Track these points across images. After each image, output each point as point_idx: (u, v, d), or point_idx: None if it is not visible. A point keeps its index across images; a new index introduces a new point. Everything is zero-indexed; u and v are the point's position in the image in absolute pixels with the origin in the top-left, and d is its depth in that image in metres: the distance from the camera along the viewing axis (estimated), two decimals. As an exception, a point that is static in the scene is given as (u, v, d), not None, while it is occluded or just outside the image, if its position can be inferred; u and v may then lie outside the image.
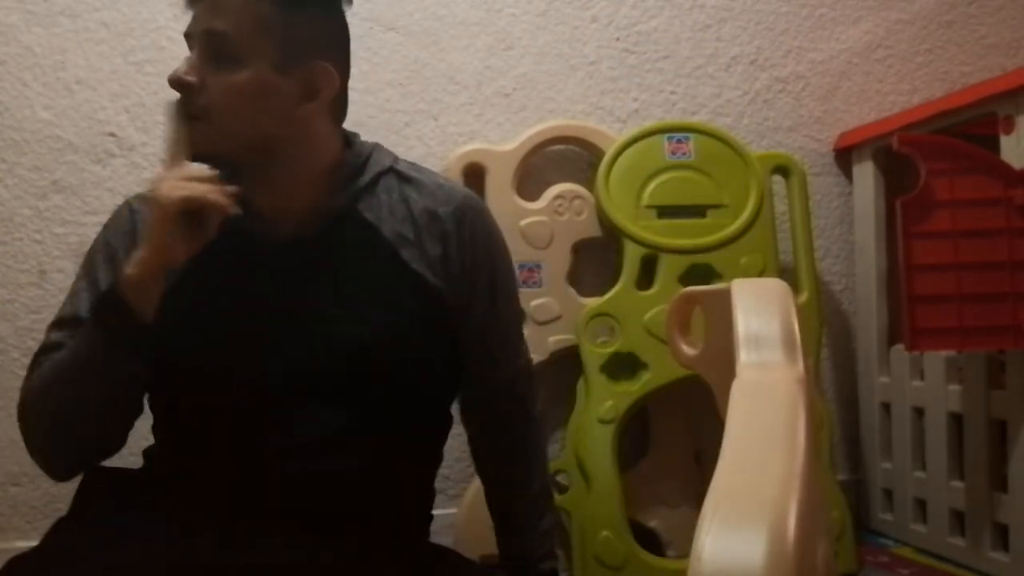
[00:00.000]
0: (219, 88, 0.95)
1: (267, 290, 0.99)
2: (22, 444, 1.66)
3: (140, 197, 1.07)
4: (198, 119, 0.96)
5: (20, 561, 0.89)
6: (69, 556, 0.90)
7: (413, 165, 1.11)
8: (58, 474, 1.06)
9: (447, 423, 1.13)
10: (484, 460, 1.19)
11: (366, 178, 1.04)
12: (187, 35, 0.99)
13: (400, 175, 1.07)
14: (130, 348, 0.93)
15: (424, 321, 1.02)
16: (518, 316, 1.19)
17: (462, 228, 1.06)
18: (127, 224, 1.04)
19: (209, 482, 0.97)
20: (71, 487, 1.08)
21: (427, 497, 1.14)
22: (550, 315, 1.69)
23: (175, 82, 0.97)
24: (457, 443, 1.76)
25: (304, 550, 0.94)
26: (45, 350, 1.00)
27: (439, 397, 1.11)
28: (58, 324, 1.02)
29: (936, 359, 1.62)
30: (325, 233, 1.01)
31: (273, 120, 0.98)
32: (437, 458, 1.15)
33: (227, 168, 0.95)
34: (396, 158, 1.09)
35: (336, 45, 1.03)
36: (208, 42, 0.96)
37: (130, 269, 0.91)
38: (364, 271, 1.01)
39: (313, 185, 1.02)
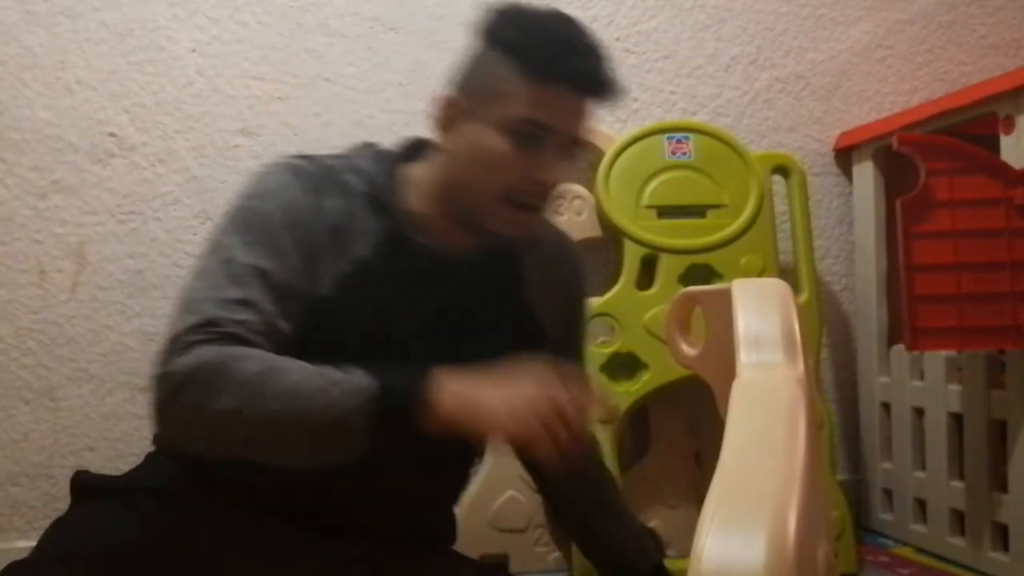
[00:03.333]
0: (562, 181, 1.00)
1: (419, 304, 0.99)
2: (22, 444, 1.67)
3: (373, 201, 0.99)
4: (538, 211, 1.00)
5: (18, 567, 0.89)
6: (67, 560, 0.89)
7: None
8: (172, 438, 0.94)
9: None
10: (562, 491, 1.22)
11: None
12: (540, 126, 0.95)
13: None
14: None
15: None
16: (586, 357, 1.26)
17: (576, 279, 1.16)
18: (325, 218, 0.95)
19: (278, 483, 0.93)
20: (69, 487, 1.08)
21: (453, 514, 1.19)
22: (550, 315, 1.69)
23: (551, 185, 0.98)
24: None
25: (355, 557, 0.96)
26: (227, 329, 0.87)
27: None
28: (238, 303, 0.88)
29: (936, 359, 1.62)
30: (480, 265, 1.03)
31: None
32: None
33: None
34: None
35: None
36: (570, 145, 0.98)
37: (448, 395, 0.85)
38: (499, 311, 1.05)
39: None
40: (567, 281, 1.15)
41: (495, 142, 0.94)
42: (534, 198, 0.97)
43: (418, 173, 1.02)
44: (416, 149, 1.06)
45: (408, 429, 0.84)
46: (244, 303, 0.88)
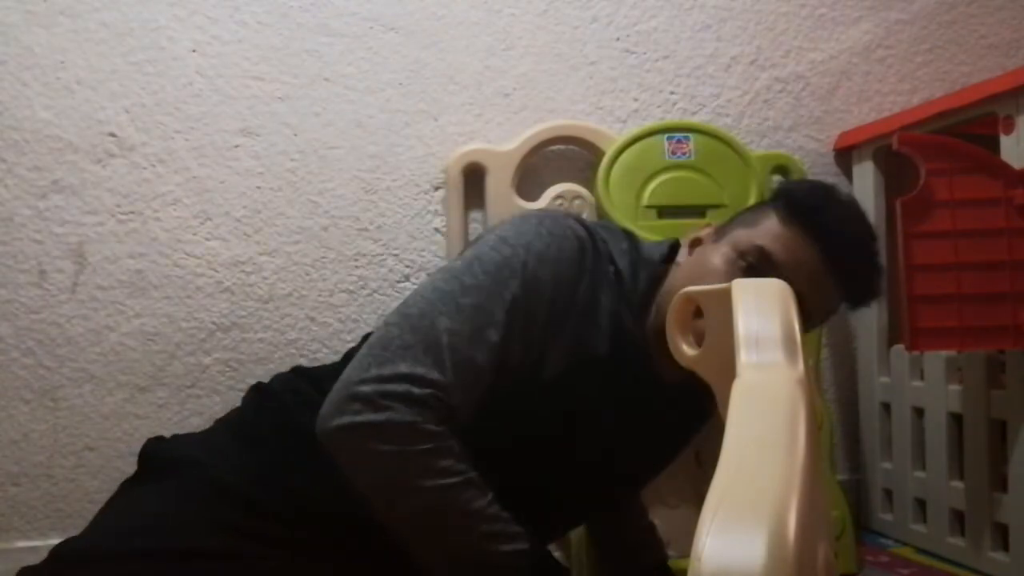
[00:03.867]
0: None
1: (629, 412, 1.01)
2: (22, 444, 1.68)
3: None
4: None
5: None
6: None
7: None
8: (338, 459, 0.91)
9: None
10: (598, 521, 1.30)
11: None
12: (773, 262, 0.95)
13: None
14: None
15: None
16: None
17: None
18: (582, 301, 0.93)
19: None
20: (69, 487, 1.08)
21: None
22: (550, 315, 1.69)
23: None
24: (457, 443, 1.77)
25: None
26: (435, 413, 0.86)
27: None
28: (449, 387, 0.87)
29: (936, 359, 1.62)
30: (680, 406, 1.03)
31: None
32: None
33: None
34: None
35: None
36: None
37: None
38: (685, 429, 1.12)
39: None
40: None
41: (719, 256, 0.95)
42: None
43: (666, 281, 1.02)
44: (672, 253, 1.05)
45: None
46: (473, 384, 0.88)
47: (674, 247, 1.06)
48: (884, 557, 1.68)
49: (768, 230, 0.96)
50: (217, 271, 1.67)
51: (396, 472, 0.84)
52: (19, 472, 1.59)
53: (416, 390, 0.84)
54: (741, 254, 0.95)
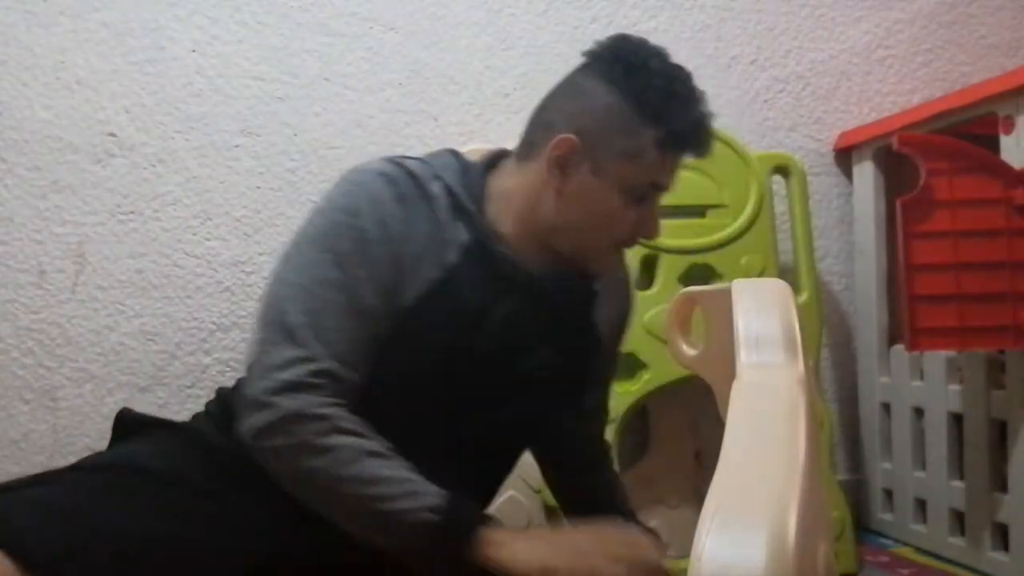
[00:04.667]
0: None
1: (498, 313, 1.00)
2: (22, 444, 1.68)
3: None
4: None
5: None
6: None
7: None
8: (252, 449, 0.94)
9: None
10: (571, 490, 1.24)
11: None
12: (655, 186, 1.01)
13: None
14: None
15: (584, 374, 1.11)
16: None
17: (631, 302, 1.19)
18: (415, 228, 0.96)
19: None
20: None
21: None
22: (550, 315, 1.69)
23: (656, 236, 1.04)
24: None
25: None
26: (316, 386, 0.89)
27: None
28: (318, 351, 0.90)
29: (936, 359, 1.62)
30: (559, 279, 1.04)
31: None
32: None
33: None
34: None
35: None
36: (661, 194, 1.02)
37: (504, 551, 0.86)
38: (572, 323, 1.07)
39: None
40: (624, 302, 1.18)
41: (615, 201, 0.99)
42: (632, 243, 1.04)
43: (503, 187, 1.03)
44: (496, 161, 1.07)
45: (458, 561, 0.87)
46: (339, 342, 0.90)
47: (499, 155, 1.08)
48: (884, 557, 1.68)
49: (652, 163, 0.98)
50: (217, 271, 1.67)
51: (299, 461, 0.88)
52: (19, 472, 1.59)
53: (292, 376, 0.88)
54: (632, 192, 0.99)
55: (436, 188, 0.99)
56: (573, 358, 1.06)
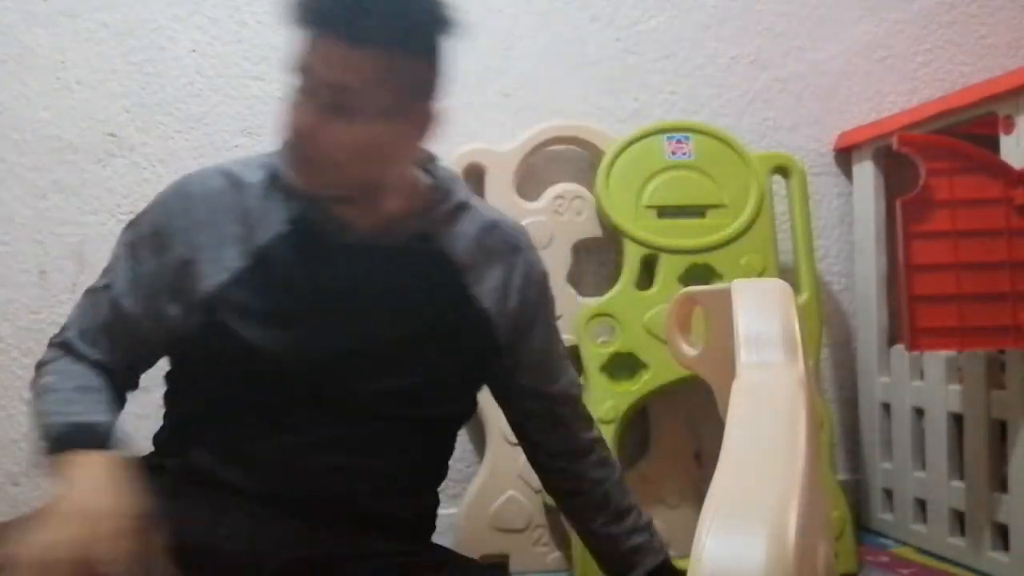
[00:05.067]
0: (338, 140, 0.93)
1: (332, 288, 1.00)
2: (22, 444, 1.68)
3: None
4: (314, 163, 0.95)
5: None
6: None
7: (480, 200, 1.16)
8: None
9: (454, 442, 1.16)
10: (552, 467, 1.21)
11: (446, 208, 1.06)
12: (304, 69, 0.94)
13: (470, 209, 1.10)
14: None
15: (470, 345, 1.07)
16: (559, 333, 1.22)
17: (517, 262, 1.11)
18: (211, 217, 0.99)
19: (230, 470, 0.98)
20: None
21: (430, 505, 1.14)
22: (550, 315, 1.69)
23: (297, 134, 0.94)
24: (459, 442, 1.76)
25: (318, 542, 0.96)
26: (53, 348, 1.03)
27: (458, 416, 1.15)
28: (70, 327, 1.03)
29: (936, 359, 1.62)
30: (400, 248, 1.03)
31: (386, 166, 0.99)
32: (442, 473, 1.16)
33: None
34: (470, 193, 1.13)
35: (444, 72, 1.03)
36: (332, 93, 0.92)
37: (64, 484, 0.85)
38: (426, 291, 1.04)
39: (398, 207, 1.03)
40: (511, 268, 1.10)
41: (287, 96, 0.96)
42: (293, 147, 0.95)
43: None
44: None
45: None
46: (85, 327, 1.02)
47: None
48: (884, 557, 1.68)
49: (298, 49, 0.94)
50: (217, 271, 1.67)
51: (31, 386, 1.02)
52: (19, 472, 1.59)
53: (52, 337, 1.04)
54: (300, 82, 0.95)
55: (255, 176, 1.01)
56: (446, 326, 1.04)
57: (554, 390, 1.16)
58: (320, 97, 0.92)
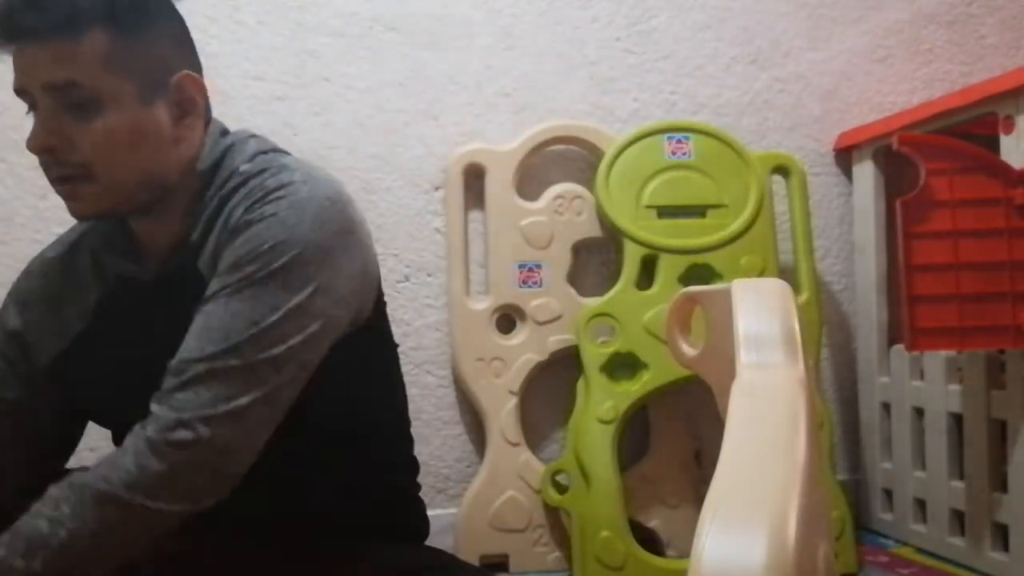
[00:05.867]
0: (92, 140, 0.87)
1: (136, 334, 0.94)
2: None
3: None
4: (77, 179, 0.88)
5: None
6: None
7: (269, 158, 0.96)
8: None
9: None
10: None
11: (211, 202, 0.93)
12: (20, 91, 0.90)
13: (241, 179, 0.93)
14: None
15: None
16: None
17: (235, 237, 0.89)
18: (46, 293, 1.06)
19: None
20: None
21: (374, 499, 1.03)
22: (550, 315, 1.69)
23: (39, 149, 0.89)
24: (459, 442, 1.77)
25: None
26: None
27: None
28: None
29: (936, 359, 1.62)
30: (178, 268, 0.94)
31: (158, 155, 0.91)
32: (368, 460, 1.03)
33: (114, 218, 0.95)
34: (255, 154, 0.97)
35: (185, 42, 0.96)
36: (56, 95, 0.87)
37: None
38: (190, 308, 0.89)
39: (181, 209, 0.94)
40: (216, 246, 0.91)
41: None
42: (48, 169, 0.90)
43: None
44: None
45: None
46: None
47: None
48: (884, 557, 1.68)
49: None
50: (217, 271, 1.67)
51: None
52: (19, 472, 1.59)
53: None
54: (29, 103, 0.92)
55: (84, 240, 1.04)
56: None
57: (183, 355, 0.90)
58: (52, 101, 0.88)
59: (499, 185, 1.71)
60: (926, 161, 1.41)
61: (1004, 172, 1.41)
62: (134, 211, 0.93)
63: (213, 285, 0.87)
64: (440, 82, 1.78)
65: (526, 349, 1.69)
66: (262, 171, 0.92)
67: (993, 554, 1.51)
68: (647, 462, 1.73)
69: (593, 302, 1.69)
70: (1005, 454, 1.48)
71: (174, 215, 0.94)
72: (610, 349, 1.64)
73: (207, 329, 0.85)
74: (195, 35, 1.67)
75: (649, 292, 1.67)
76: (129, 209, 0.93)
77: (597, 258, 1.80)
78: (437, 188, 1.76)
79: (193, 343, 0.85)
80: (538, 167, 1.78)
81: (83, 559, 0.81)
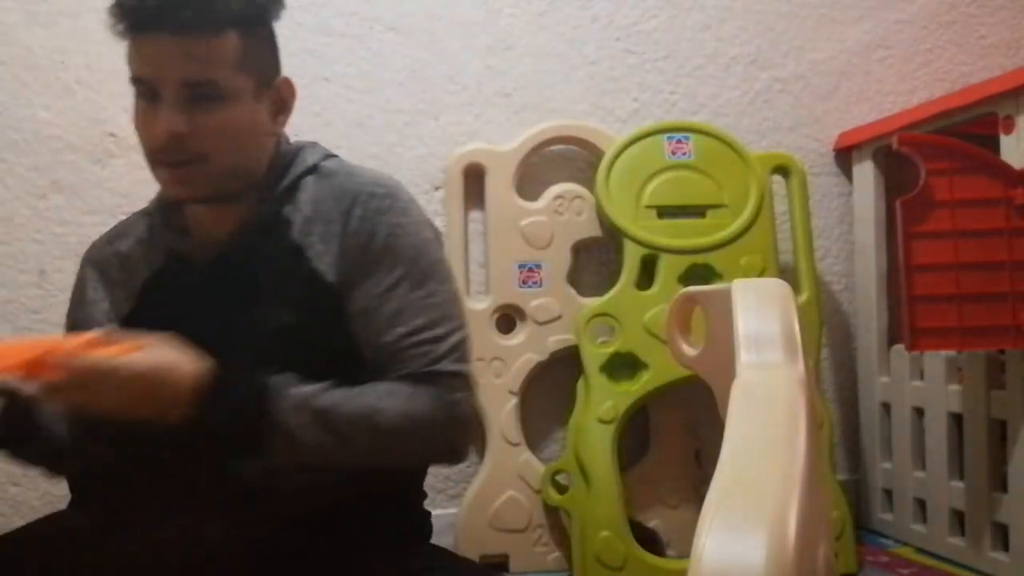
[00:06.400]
0: (215, 130, 0.93)
1: (201, 313, 0.96)
2: (22, 444, 1.66)
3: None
4: (194, 164, 0.94)
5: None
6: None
7: (341, 162, 1.05)
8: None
9: None
10: None
11: (287, 181, 1.00)
12: (141, 80, 0.96)
13: (322, 173, 1.02)
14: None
15: (320, 322, 0.97)
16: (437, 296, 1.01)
17: (349, 221, 0.98)
18: (118, 259, 1.10)
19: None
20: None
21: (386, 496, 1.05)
22: (550, 315, 1.69)
23: (169, 136, 0.92)
24: (457, 443, 1.77)
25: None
26: None
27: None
28: None
29: (936, 359, 1.62)
30: (246, 247, 0.99)
31: (260, 148, 1.00)
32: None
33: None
34: (326, 155, 1.05)
35: (276, 46, 1.04)
36: (189, 88, 0.93)
37: None
38: (272, 281, 0.97)
39: (248, 194, 1.00)
40: (335, 217, 0.98)
41: (136, 109, 0.98)
42: (166, 153, 0.94)
43: None
44: None
45: None
46: None
47: None
48: (884, 557, 1.68)
49: (129, 56, 0.98)
50: (217, 271, 1.67)
51: None
52: (19, 472, 1.59)
53: None
54: (138, 94, 0.98)
55: (141, 215, 1.10)
56: (292, 312, 0.95)
57: (379, 342, 0.97)
58: (182, 93, 0.93)
59: (499, 185, 1.71)
60: (926, 161, 1.41)
61: (1004, 172, 1.41)
62: (223, 197, 0.98)
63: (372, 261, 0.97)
64: (440, 82, 1.78)
65: (526, 349, 1.69)
66: (349, 172, 1.03)
67: (993, 554, 1.51)
68: (647, 462, 1.73)
69: (593, 302, 1.69)
70: (1005, 454, 1.48)
71: (249, 201, 0.99)
72: (610, 349, 1.64)
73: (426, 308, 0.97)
74: (195, 35, 1.68)
75: (649, 292, 1.67)
76: (225, 194, 0.98)
77: (597, 258, 1.80)
78: (437, 188, 1.76)
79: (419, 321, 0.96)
80: (538, 167, 1.78)
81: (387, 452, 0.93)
